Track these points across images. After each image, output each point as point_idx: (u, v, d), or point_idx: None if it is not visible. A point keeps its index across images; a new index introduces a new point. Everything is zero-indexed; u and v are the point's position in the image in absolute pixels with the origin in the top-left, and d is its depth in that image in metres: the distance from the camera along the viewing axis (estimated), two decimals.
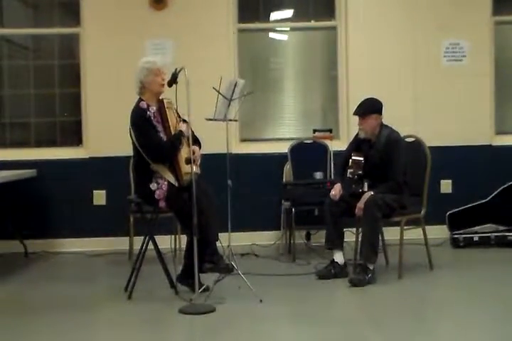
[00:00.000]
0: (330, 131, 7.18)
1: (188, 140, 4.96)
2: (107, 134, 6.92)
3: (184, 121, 5.18)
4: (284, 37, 7.63)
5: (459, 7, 7.14)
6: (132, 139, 5.14)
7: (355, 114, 5.71)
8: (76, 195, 7.04)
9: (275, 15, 7.55)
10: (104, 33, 7.09)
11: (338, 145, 6.94)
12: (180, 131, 5.08)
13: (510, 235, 6.62)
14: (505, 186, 6.85)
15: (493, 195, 6.86)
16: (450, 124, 7.09)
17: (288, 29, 7.59)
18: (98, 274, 6.12)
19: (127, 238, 6.44)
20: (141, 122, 5.09)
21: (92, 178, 7.04)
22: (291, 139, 7.18)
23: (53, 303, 5.13)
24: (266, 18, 7.47)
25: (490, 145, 7.20)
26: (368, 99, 5.73)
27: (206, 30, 7.11)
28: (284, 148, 7.02)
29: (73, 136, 7.36)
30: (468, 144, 7.08)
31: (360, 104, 5.71)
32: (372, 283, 5.32)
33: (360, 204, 5.44)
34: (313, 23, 7.45)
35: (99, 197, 7.08)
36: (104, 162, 6.97)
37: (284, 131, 7.48)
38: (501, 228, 6.74)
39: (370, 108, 5.65)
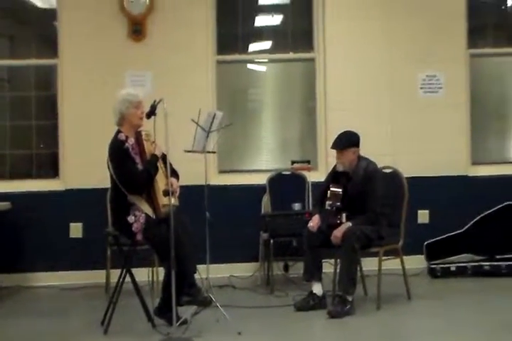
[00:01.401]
0: (308, 162, 7.20)
1: (167, 171, 4.95)
2: (83, 166, 6.87)
3: (162, 154, 5.17)
4: (262, 68, 7.68)
5: (436, 40, 7.22)
6: (110, 171, 5.12)
7: (332, 147, 5.73)
8: (52, 227, 6.94)
9: (254, 47, 7.61)
10: (82, 65, 7.08)
11: (316, 176, 6.96)
12: (154, 156, 5.08)
13: (487, 265, 6.64)
14: (481, 216, 6.89)
15: (469, 224, 6.90)
16: (427, 155, 7.12)
17: (267, 60, 7.64)
18: (74, 308, 6.04)
19: (104, 271, 6.36)
20: (118, 154, 5.08)
21: (69, 210, 6.96)
22: (270, 170, 7.18)
23: (28, 339, 5.04)
24: (244, 50, 7.53)
25: (466, 176, 7.23)
26: (345, 132, 5.76)
27: (185, 62, 7.12)
28: (262, 179, 7.01)
29: (49, 167, 7.32)
30: (445, 175, 7.11)
31: (337, 138, 5.74)
32: (350, 315, 5.30)
33: (337, 232, 5.45)
34: (291, 55, 7.50)
35: (76, 229, 7.00)
36: (80, 194, 6.92)
37: (262, 162, 7.49)
38: (477, 258, 6.76)
39: (347, 142, 5.68)
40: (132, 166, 5.05)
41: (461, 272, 6.64)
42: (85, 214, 6.91)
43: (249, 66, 7.62)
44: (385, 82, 7.23)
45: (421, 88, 7.28)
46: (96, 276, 6.62)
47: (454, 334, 4.82)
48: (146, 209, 5.04)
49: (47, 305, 6.23)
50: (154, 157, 5.09)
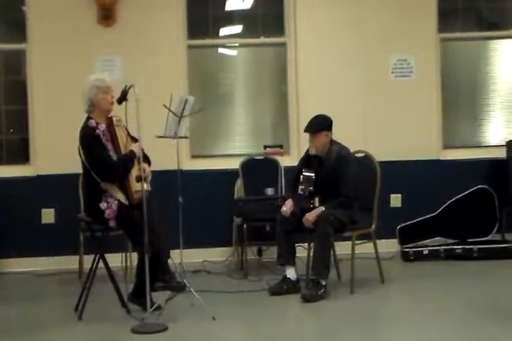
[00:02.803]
0: (280, 146, 7.22)
1: (139, 158, 4.92)
2: (55, 151, 6.81)
3: (134, 139, 5.15)
4: (233, 53, 7.65)
5: (407, 24, 7.24)
6: (81, 158, 5.08)
7: (305, 131, 5.74)
8: (24, 213, 6.89)
9: (225, 31, 7.56)
10: (52, 50, 6.99)
11: (288, 161, 6.99)
12: (132, 152, 5.04)
13: (459, 248, 6.69)
14: (453, 200, 6.96)
15: (441, 208, 6.96)
16: (399, 139, 7.15)
17: (238, 45, 7.61)
18: (47, 294, 5.99)
19: (77, 257, 6.34)
20: (90, 141, 5.03)
21: (40, 196, 6.91)
22: (242, 155, 7.18)
23: (0, 325, 5.00)
24: (215, 34, 7.48)
25: (438, 160, 7.28)
26: (317, 116, 5.76)
27: (156, 47, 7.07)
28: (235, 164, 7.00)
29: (20, 153, 7.24)
30: (417, 159, 7.15)
31: (310, 122, 5.74)
32: (324, 298, 5.33)
33: (309, 216, 5.47)
34: (262, 40, 7.48)
35: (48, 215, 6.95)
36: (52, 180, 6.85)
37: (234, 147, 7.47)
38: (450, 241, 6.85)
39: (320, 125, 5.69)
40: (104, 154, 5.01)
41: (434, 255, 6.69)
42: (57, 199, 6.87)
43: (220, 50, 7.58)
44: (357, 66, 7.24)
45: (392, 72, 7.30)
46: (69, 262, 6.59)
47: (427, 317, 4.86)
48: (119, 195, 5.02)
49: (20, 291, 6.19)
50: (131, 152, 5.04)
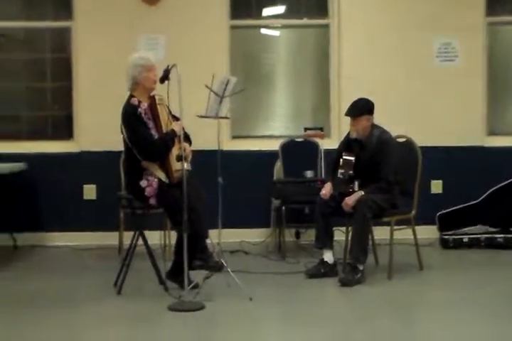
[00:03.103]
0: (321, 129, 7.20)
1: (180, 138, 4.95)
2: (98, 128, 6.89)
3: (176, 118, 5.17)
4: (276, 33, 7.61)
5: (453, 7, 7.14)
6: (123, 135, 5.12)
7: (346, 114, 5.69)
8: (66, 188, 7.01)
9: (267, 12, 7.53)
10: (97, 28, 7.06)
11: (329, 143, 6.97)
12: (173, 131, 5.06)
13: (500, 237, 6.63)
14: (496, 188, 6.87)
15: (483, 196, 6.88)
16: (442, 125, 7.09)
17: (280, 26, 7.57)
18: (87, 269, 6.10)
19: (117, 233, 6.42)
20: (132, 119, 5.07)
21: (83, 172, 7.02)
22: (282, 137, 7.18)
23: (42, 298, 5.10)
24: (258, 15, 7.45)
25: (481, 147, 7.20)
26: (359, 99, 5.71)
27: (199, 27, 7.09)
28: (274, 145, 7.00)
29: (64, 129, 7.31)
30: (460, 145, 7.09)
31: (351, 105, 5.69)
32: (361, 283, 5.32)
33: (349, 200, 5.44)
34: (305, 21, 7.44)
35: (90, 191, 7.06)
36: (95, 156, 6.95)
37: (275, 128, 7.48)
38: (491, 230, 6.76)
39: (361, 109, 5.64)
40: (145, 132, 5.05)
41: (474, 244, 6.65)
42: (99, 176, 6.97)
43: (263, 31, 7.56)
44: (400, 50, 7.18)
45: (437, 56, 7.22)
46: (109, 238, 6.68)
47: (463, 306, 4.83)
48: (159, 174, 5.06)
49: (61, 265, 6.30)
50: (172, 132, 5.07)
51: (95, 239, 6.88)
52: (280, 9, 7.57)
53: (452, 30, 7.17)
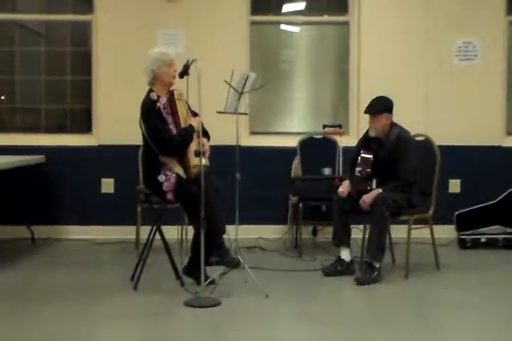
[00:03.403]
0: (340, 126, 7.18)
1: (198, 131, 4.96)
2: (116, 122, 6.91)
3: (195, 113, 5.17)
4: (296, 29, 7.60)
5: (473, 6, 7.11)
6: (142, 130, 5.13)
7: (366, 112, 5.67)
8: (84, 182, 7.05)
9: (287, 8, 7.51)
10: (117, 22, 7.08)
11: (347, 141, 6.95)
12: (191, 126, 5.06)
13: None
14: None
15: (501, 196, 6.84)
16: (460, 124, 7.06)
17: (300, 22, 7.56)
18: (104, 262, 6.13)
19: (134, 227, 6.44)
20: (150, 114, 5.08)
21: (101, 166, 7.05)
22: (301, 133, 7.17)
23: (58, 291, 5.13)
24: (278, 11, 7.44)
25: (500, 146, 7.18)
26: (379, 97, 5.69)
27: (218, 22, 7.10)
28: (293, 142, 7.00)
29: (83, 123, 7.35)
30: (479, 144, 7.06)
31: (371, 103, 5.68)
32: (378, 282, 5.32)
33: (366, 197, 5.44)
34: (325, 18, 7.44)
35: (108, 185, 7.09)
36: (113, 150, 6.98)
37: (293, 124, 7.48)
38: (509, 230, 6.73)
39: (381, 107, 5.62)
40: (164, 127, 5.05)
41: (492, 244, 6.62)
42: (117, 170, 7.00)
43: (283, 27, 7.54)
44: (420, 48, 7.15)
45: (456, 55, 7.18)
46: (126, 232, 6.72)
47: (480, 307, 4.82)
48: (177, 169, 5.07)
49: (78, 258, 6.33)
50: (190, 127, 5.08)
51: (112, 233, 6.90)
52: (300, 5, 7.56)
53: (473, 30, 7.14)
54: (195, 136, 5.04)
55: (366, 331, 4.34)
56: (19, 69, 7.43)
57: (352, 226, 5.69)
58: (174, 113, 5.13)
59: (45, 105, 7.35)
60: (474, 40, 7.15)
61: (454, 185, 7.11)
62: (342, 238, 5.60)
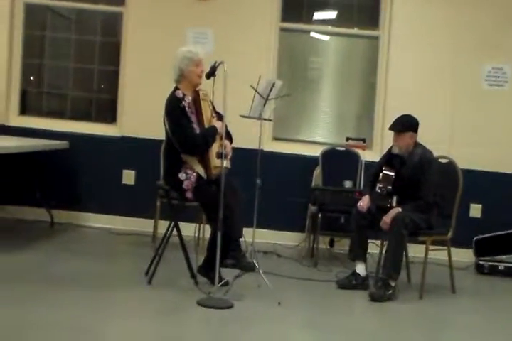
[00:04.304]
0: (363, 140, 7.16)
1: (221, 136, 4.96)
2: (141, 115, 6.90)
3: (219, 114, 5.17)
4: (325, 38, 7.58)
5: (505, 31, 7.09)
6: (165, 127, 5.13)
7: (390, 129, 5.66)
8: (106, 171, 7.04)
9: (318, 16, 7.51)
10: (148, 15, 7.08)
11: (370, 155, 6.93)
12: (215, 128, 5.06)
13: None
14: None
15: None
16: (485, 149, 7.02)
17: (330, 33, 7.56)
18: (120, 253, 6.16)
19: (152, 220, 6.42)
20: (175, 112, 5.07)
21: (123, 157, 7.04)
22: (324, 143, 7.16)
23: (73, 278, 5.13)
24: (309, 19, 7.43)
25: None
26: (404, 115, 5.69)
27: (249, 25, 7.09)
28: (315, 151, 6.97)
29: (108, 113, 7.35)
30: (503, 171, 7.03)
31: (396, 120, 5.67)
32: (392, 300, 5.30)
33: (387, 218, 5.42)
34: (355, 31, 7.43)
35: (129, 176, 7.08)
36: (136, 142, 6.98)
37: (317, 133, 7.47)
38: None
39: (406, 125, 5.61)
40: (187, 125, 5.04)
41: (510, 272, 6.56)
42: (139, 162, 7.00)
43: (312, 34, 7.53)
44: (449, 70, 7.12)
45: (485, 80, 7.15)
46: (144, 224, 6.72)
47: (492, 333, 4.81)
48: (198, 168, 5.06)
49: (94, 246, 6.36)
50: (214, 129, 5.07)
51: (130, 225, 6.92)
52: (331, 15, 7.56)
53: (504, 55, 7.12)
54: (217, 137, 5.04)
55: None
56: (49, 54, 7.42)
57: (369, 241, 5.67)
58: (198, 112, 5.13)
59: (72, 92, 7.35)
60: (505, 66, 7.12)
61: (475, 210, 7.06)
62: (358, 252, 5.57)
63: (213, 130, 5.06)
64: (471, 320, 5.14)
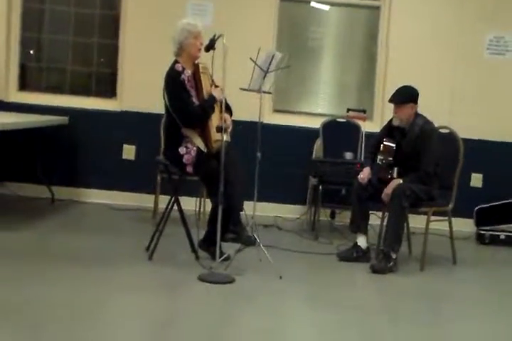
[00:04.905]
0: (364, 111, 7.09)
1: (221, 106, 4.94)
2: (141, 89, 6.84)
3: (216, 86, 5.14)
4: (326, 8, 7.48)
5: (509, 1, 7.01)
6: (165, 101, 5.11)
7: (390, 101, 5.62)
8: (106, 146, 7.02)
9: None
10: None
11: (371, 126, 6.87)
12: (213, 97, 5.04)
13: None
14: None
15: None
16: (486, 118, 6.98)
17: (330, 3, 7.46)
18: (121, 229, 6.15)
19: (153, 196, 6.42)
20: (174, 85, 5.05)
21: (123, 132, 7.02)
22: (324, 115, 7.11)
23: (73, 254, 5.15)
24: None
25: None
26: (404, 86, 5.63)
27: None
28: (316, 123, 6.92)
29: (108, 87, 7.30)
30: (504, 140, 6.99)
31: (396, 92, 5.62)
32: (393, 272, 5.31)
33: (388, 190, 5.40)
34: (356, 1, 7.32)
35: (129, 151, 7.06)
36: (136, 117, 6.95)
37: (317, 105, 7.43)
38: None
39: (406, 97, 5.57)
40: (187, 99, 5.02)
41: (511, 241, 6.56)
42: (139, 137, 6.99)
43: (313, 4, 7.43)
44: (450, 40, 7.05)
45: (487, 49, 7.09)
46: (145, 200, 6.73)
47: (493, 303, 4.83)
48: (198, 142, 5.05)
49: (95, 222, 6.38)
50: (212, 97, 5.05)
51: (131, 200, 6.91)
52: None
53: (505, 24, 7.05)
54: (217, 111, 5.02)
55: (375, 319, 4.36)
56: (47, 27, 7.34)
57: (371, 212, 5.68)
58: (198, 86, 5.10)
59: (71, 66, 7.29)
60: (507, 34, 7.05)
61: (476, 180, 7.04)
62: (359, 224, 5.57)
63: (212, 99, 5.04)
64: (470, 291, 5.17)
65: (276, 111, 7.28)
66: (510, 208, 6.79)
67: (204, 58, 5.05)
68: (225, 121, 4.94)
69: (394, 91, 5.65)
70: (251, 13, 7.00)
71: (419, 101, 5.61)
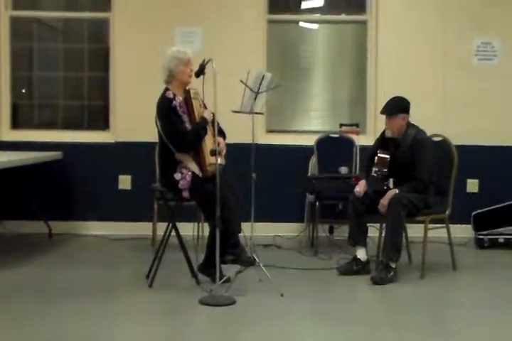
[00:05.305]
0: (357, 125, 7.14)
1: (214, 129, 4.96)
2: (134, 119, 6.91)
3: (205, 108, 5.19)
4: (314, 26, 7.57)
5: (493, 6, 7.06)
6: (158, 128, 5.14)
7: (382, 113, 5.65)
8: (102, 178, 7.07)
9: (306, 5, 7.50)
10: (134, 19, 7.09)
11: (364, 140, 6.91)
12: (204, 119, 5.08)
13: None
14: None
15: None
16: (478, 124, 7.01)
17: (318, 20, 7.54)
18: (121, 259, 6.16)
19: (151, 223, 6.43)
20: (166, 111, 5.08)
21: (118, 163, 7.07)
22: (318, 132, 7.15)
23: (74, 288, 5.14)
24: (296, 9, 7.43)
25: None
26: (395, 97, 5.65)
27: (236, 21, 7.09)
28: (310, 140, 6.98)
29: (100, 119, 7.38)
30: (496, 144, 7.01)
31: (387, 103, 5.64)
32: (394, 282, 5.29)
33: (384, 200, 5.40)
34: (343, 17, 7.42)
35: (125, 181, 7.11)
36: (130, 147, 7.00)
37: (310, 123, 7.47)
38: None
39: (397, 107, 5.59)
40: (180, 125, 5.06)
41: (510, 244, 6.55)
42: (134, 166, 7.03)
43: (301, 23, 7.52)
44: (438, 48, 7.10)
45: (475, 55, 7.13)
46: (143, 228, 6.72)
47: (496, 308, 4.79)
48: (193, 167, 5.07)
49: (95, 254, 6.36)
50: (203, 119, 5.09)
51: (129, 229, 6.94)
52: (319, 2, 7.53)
53: (492, 30, 7.09)
54: (210, 134, 5.05)
55: (380, 331, 4.33)
56: (37, 65, 7.47)
57: (368, 224, 5.66)
58: (190, 112, 5.14)
59: (63, 101, 7.38)
60: (494, 40, 7.09)
61: (472, 185, 7.06)
62: (358, 238, 5.57)
63: (203, 121, 5.08)
64: (473, 296, 5.14)
65: (270, 131, 7.31)
66: (507, 211, 6.78)
67: (194, 83, 5.09)
68: (218, 145, 4.97)
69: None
70: (240, 36, 7.08)
71: (411, 111, 5.62)
